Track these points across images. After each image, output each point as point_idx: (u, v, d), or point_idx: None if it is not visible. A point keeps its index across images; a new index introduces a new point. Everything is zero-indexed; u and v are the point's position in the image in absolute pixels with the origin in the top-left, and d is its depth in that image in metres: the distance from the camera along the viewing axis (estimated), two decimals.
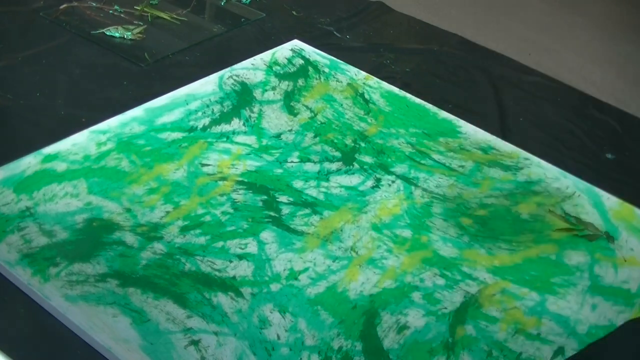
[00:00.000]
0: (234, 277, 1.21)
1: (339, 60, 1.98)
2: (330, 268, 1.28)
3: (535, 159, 1.74)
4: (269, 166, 1.50)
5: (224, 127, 1.58)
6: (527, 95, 2.20)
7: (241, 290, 1.19)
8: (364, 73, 1.96)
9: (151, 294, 1.14)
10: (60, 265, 1.14)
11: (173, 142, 1.49)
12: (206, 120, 1.58)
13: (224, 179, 1.43)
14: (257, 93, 1.74)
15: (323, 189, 1.47)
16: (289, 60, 1.91)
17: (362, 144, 1.65)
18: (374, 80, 1.93)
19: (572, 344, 1.24)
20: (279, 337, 1.12)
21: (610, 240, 1.40)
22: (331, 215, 1.40)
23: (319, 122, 1.70)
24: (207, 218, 1.32)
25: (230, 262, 1.24)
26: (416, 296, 1.26)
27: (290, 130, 1.64)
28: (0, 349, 0.89)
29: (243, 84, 1.75)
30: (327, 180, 1.50)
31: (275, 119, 1.66)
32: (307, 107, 1.74)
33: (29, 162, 1.34)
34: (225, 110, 1.63)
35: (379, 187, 1.52)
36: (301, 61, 1.93)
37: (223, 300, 1.16)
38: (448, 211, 1.50)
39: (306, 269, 1.26)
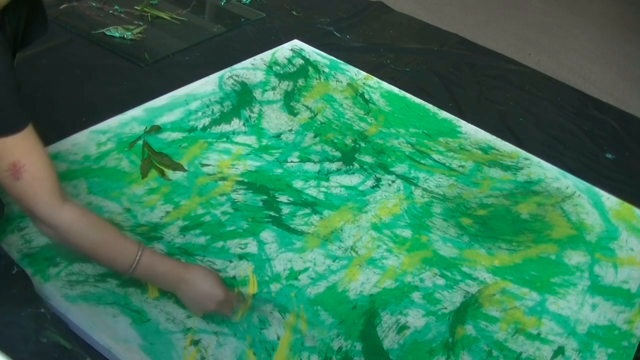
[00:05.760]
0: (234, 277, 1.21)
1: (339, 60, 1.98)
2: (330, 268, 1.28)
3: (535, 159, 1.74)
4: (269, 166, 1.50)
5: (224, 127, 1.58)
6: (527, 95, 2.20)
7: (241, 290, 1.18)
8: (364, 73, 1.96)
9: None
10: (60, 265, 1.14)
11: (173, 142, 1.49)
12: (206, 121, 1.58)
13: (224, 179, 1.43)
14: (257, 93, 1.74)
15: (323, 189, 1.47)
16: (289, 60, 1.91)
17: (362, 144, 1.65)
18: (374, 80, 1.93)
19: (572, 343, 1.24)
20: (279, 337, 1.12)
21: None
22: (331, 215, 1.40)
23: (319, 122, 1.70)
24: (207, 218, 1.32)
25: (230, 262, 1.24)
26: (416, 296, 1.26)
27: (290, 130, 1.64)
28: (0, 349, 0.89)
29: (243, 84, 1.75)
30: (327, 180, 1.50)
31: (275, 119, 1.66)
32: (307, 107, 1.74)
33: None
34: (225, 111, 1.63)
35: (379, 187, 1.52)
36: (301, 61, 1.92)
37: None
38: (448, 211, 1.50)
39: (306, 269, 1.26)
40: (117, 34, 1.92)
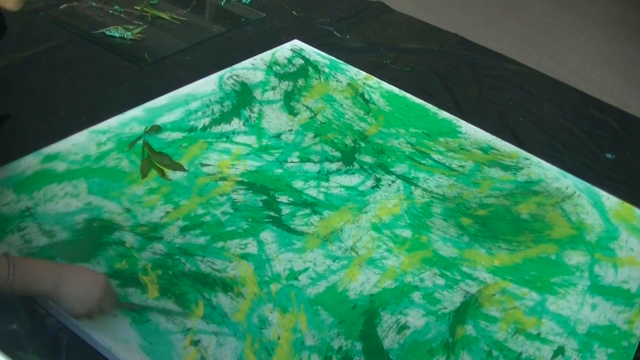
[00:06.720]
0: (234, 278, 1.21)
1: (339, 60, 1.98)
2: (330, 268, 1.28)
3: (535, 159, 1.74)
4: (269, 166, 1.50)
5: (224, 127, 1.58)
6: (527, 95, 2.20)
7: (241, 291, 1.19)
8: (364, 73, 1.96)
9: None
10: None
11: (173, 142, 1.49)
12: (206, 120, 1.58)
13: (224, 179, 1.43)
14: (257, 93, 1.74)
15: (323, 189, 1.47)
16: (289, 60, 1.91)
17: (362, 144, 1.65)
18: (374, 80, 1.93)
19: (572, 343, 1.24)
20: (279, 337, 1.12)
21: None
22: (331, 215, 1.40)
23: (319, 122, 1.70)
24: (207, 218, 1.32)
25: (230, 262, 1.24)
26: (416, 296, 1.26)
27: (290, 130, 1.64)
28: (0, 349, 0.89)
29: (243, 84, 1.75)
30: (327, 180, 1.50)
31: (275, 119, 1.66)
32: (307, 107, 1.74)
33: (29, 162, 1.33)
34: (225, 110, 1.63)
35: (379, 187, 1.52)
36: (301, 61, 1.93)
37: (223, 300, 1.16)
38: (448, 211, 1.50)
39: (306, 269, 1.26)
40: (117, 34, 1.92)
